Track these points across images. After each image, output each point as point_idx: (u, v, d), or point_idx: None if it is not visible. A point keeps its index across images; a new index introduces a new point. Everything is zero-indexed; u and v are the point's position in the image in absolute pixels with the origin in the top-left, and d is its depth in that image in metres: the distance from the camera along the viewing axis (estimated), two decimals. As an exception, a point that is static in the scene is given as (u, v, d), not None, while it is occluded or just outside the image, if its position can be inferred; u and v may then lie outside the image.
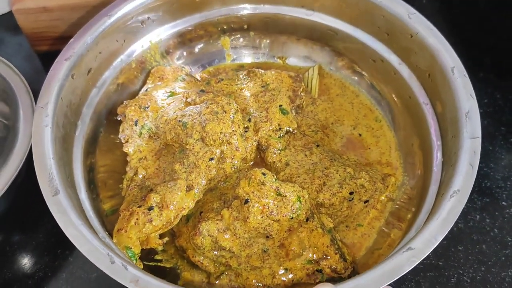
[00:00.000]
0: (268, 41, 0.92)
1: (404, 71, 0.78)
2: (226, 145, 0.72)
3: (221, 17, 0.88)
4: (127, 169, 0.75)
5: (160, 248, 0.69)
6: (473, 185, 0.59)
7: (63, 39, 0.89)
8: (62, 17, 0.89)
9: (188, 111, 0.75)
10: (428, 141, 0.73)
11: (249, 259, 0.69)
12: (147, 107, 0.77)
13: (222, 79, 0.86)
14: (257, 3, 0.87)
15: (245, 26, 0.90)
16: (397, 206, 0.76)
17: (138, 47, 0.83)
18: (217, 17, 0.88)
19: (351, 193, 0.72)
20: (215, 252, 0.69)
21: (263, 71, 0.87)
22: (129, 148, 0.78)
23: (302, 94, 0.85)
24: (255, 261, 0.69)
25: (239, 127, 0.74)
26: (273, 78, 0.85)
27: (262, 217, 0.66)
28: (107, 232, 0.66)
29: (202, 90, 0.79)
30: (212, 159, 0.71)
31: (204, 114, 0.72)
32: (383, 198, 0.77)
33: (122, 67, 0.81)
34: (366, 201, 0.75)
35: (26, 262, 0.78)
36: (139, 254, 0.66)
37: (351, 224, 0.75)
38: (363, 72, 0.87)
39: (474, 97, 0.64)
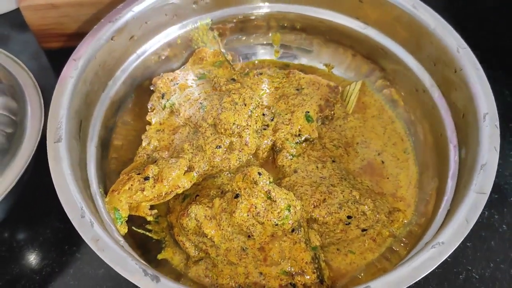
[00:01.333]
0: (318, 46, 0.90)
1: (442, 106, 0.73)
2: (236, 137, 0.72)
3: (274, 12, 0.87)
4: (143, 137, 0.78)
5: (149, 218, 0.71)
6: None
7: (71, 36, 0.94)
8: (69, 14, 0.88)
9: (211, 96, 0.76)
10: (444, 185, 0.68)
11: (227, 253, 0.68)
12: (177, 83, 0.79)
13: (261, 73, 0.86)
14: (313, 5, 0.85)
15: (298, 26, 0.89)
16: (398, 242, 0.72)
17: (187, 25, 0.85)
18: (271, 12, 0.87)
19: (349, 217, 0.69)
20: (198, 237, 0.70)
21: (303, 74, 0.85)
22: (152, 118, 0.81)
23: (334, 106, 0.83)
24: (233, 256, 0.68)
25: (255, 123, 0.74)
26: (311, 83, 0.84)
27: (247, 216, 0.66)
28: (102, 190, 0.69)
29: (233, 79, 0.80)
30: (219, 147, 0.72)
31: (224, 102, 0.73)
32: (385, 231, 0.73)
33: (167, 40, 0.84)
34: (364, 230, 0.71)
35: (33, 257, 0.77)
36: (126, 218, 0.68)
37: (343, 249, 0.72)
38: (404, 100, 0.82)
39: (498, 150, 0.59)
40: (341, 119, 0.84)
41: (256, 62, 0.93)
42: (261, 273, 0.68)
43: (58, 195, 0.57)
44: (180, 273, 0.72)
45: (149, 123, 0.80)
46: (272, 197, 0.65)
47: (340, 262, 0.72)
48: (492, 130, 0.61)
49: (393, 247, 0.72)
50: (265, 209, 0.65)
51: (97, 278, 0.74)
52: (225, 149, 0.72)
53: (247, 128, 0.72)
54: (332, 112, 0.82)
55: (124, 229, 0.68)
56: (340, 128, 0.83)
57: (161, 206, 0.77)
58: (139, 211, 0.70)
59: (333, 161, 0.77)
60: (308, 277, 0.66)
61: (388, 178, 0.78)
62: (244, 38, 0.92)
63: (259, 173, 0.67)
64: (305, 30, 0.89)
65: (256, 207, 0.66)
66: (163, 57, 0.86)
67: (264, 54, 0.93)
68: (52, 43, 0.96)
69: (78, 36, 0.74)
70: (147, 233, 0.74)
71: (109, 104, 0.77)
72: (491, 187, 0.56)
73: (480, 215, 0.73)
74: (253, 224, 0.66)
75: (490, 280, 0.74)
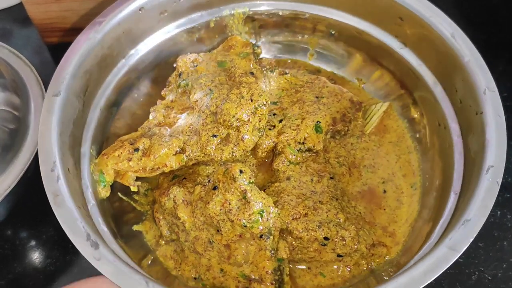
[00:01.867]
0: (353, 58, 0.86)
1: (457, 148, 0.67)
2: (234, 130, 0.71)
3: (315, 15, 0.84)
4: (151, 109, 0.79)
5: (132, 188, 0.72)
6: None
7: (74, 31, 0.90)
8: (72, 8, 0.86)
9: (223, 85, 0.75)
10: (433, 230, 0.62)
11: (195, 241, 0.68)
12: (196, 65, 0.79)
13: (287, 73, 0.84)
14: (355, 15, 0.81)
15: (337, 34, 0.85)
16: (374, 277, 0.68)
17: (223, 10, 0.84)
18: (312, 14, 0.84)
19: (325, 238, 0.66)
20: (172, 218, 0.70)
21: (329, 83, 0.82)
22: (166, 94, 0.82)
23: (351, 122, 0.79)
24: (199, 246, 0.68)
25: (259, 121, 0.72)
26: (333, 93, 0.80)
27: (220, 210, 0.65)
28: (94, 151, 0.71)
29: (251, 73, 0.78)
30: (215, 136, 0.71)
31: (231, 93, 0.72)
32: (363, 263, 0.69)
33: (200, 22, 0.84)
34: (340, 255, 0.67)
35: (36, 256, 0.77)
36: (110, 183, 0.70)
37: (314, 269, 0.69)
38: (426, 132, 0.77)
39: (489, 209, 0.53)
40: (356, 137, 0.80)
41: (289, 61, 0.91)
42: (222, 270, 0.67)
43: (38, 144, 0.59)
44: (149, 248, 0.72)
45: (163, 98, 0.81)
46: (247, 197, 0.64)
47: (307, 282, 0.69)
48: (490, 186, 0.55)
49: (367, 281, 0.67)
50: (238, 208, 0.64)
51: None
52: (220, 140, 0.71)
53: (247, 124, 0.71)
54: (346, 128, 0.78)
55: (105, 193, 0.69)
56: (351, 146, 0.79)
57: (153, 180, 0.78)
58: (124, 179, 0.71)
59: (331, 178, 0.74)
60: (264, 286, 0.64)
61: (385, 209, 0.73)
62: (284, 35, 0.90)
63: (241, 171, 0.65)
64: (344, 39, 0.85)
65: (230, 204, 0.64)
66: (195, 38, 0.86)
67: (299, 55, 0.91)
68: (55, 37, 0.95)
69: (81, 30, 0.73)
70: (132, 202, 0.75)
71: (126, 71, 0.78)
72: (468, 245, 0.51)
73: (493, 215, 0.78)
74: (224, 219, 0.65)
75: (502, 281, 0.73)
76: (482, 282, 0.73)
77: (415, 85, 0.78)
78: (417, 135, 0.79)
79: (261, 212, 0.63)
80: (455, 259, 0.50)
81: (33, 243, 0.78)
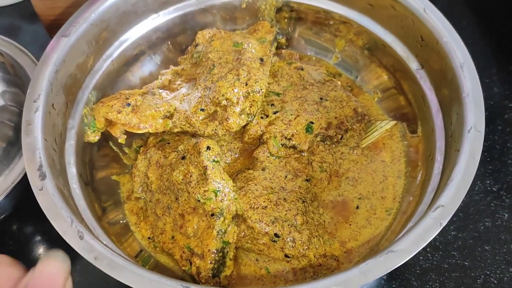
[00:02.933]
0: (373, 69, 0.83)
1: (432, 183, 0.63)
2: (221, 109, 0.72)
3: (349, 18, 0.82)
4: (161, 72, 0.82)
5: (120, 140, 0.76)
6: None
7: None
8: (79, 4, 0.79)
9: (227, 64, 0.76)
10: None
11: (156, 204, 0.71)
12: (213, 40, 0.81)
13: (302, 69, 0.83)
14: (383, 26, 0.79)
15: (364, 42, 0.83)
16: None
17: (259, -6, 0.85)
18: (345, 17, 0.83)
19: (276, 235, 0.66)
20: (144, 177, 0.74)
21: (339, 88, 0.80)
22: (180, 61, 0.85)
23: (347, 132, 0.77)
24: (159, 209, 0.71)
25: (250, 106, 0.73)
26: (338, 99, 0.78)
27: (182, 179, 0.67)
28: (93, 98, 0.76)
29: (261, 59, 0.79)
30: (202, 110, 0.73)
31: (228, 72, 0.73)
32: (310, 270, 0.68)
33: (232, 1, 0.85)
34: (287, 256, 0.67)
35: (40, 252, 0.77)
36: (101, 129, 0.74)
37: (261, 262, 0.69)
38: (419, 162, 0.73)
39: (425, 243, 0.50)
40: (349, 148, 0.78)
41: (314, 58, 0.90)
42: (173, 237, 0.69)
43: (32, 76, 0.65)
44: (119, 200, 0.76)
45: (177, 64, 0.84)
46: (206, 174, 0.65)
47: (250, 272, 0.69)
48: (433, 223, 0.52)
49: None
50: (197, 182, 0.66)
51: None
52: (207, 114, 0.73)
53: (235, 106, 0.71)
54: (340, 136, 0.76)
55: (93, 138, 0.74)
56: (340, 155, 0.77)
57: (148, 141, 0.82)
58: (113, 129, 0.75)
59: (307, 180, 0.73)
60: (203, 263, 0.65)
61: (350, 225, 0.71)
62: (317, 32, 0.89)
63: (208, 147, 0.67)
64: (369, 48, 0.83)
65: (191, 176, 0.66)
66: (227, 16, 0.87)
67: (324, 55, 0.89)
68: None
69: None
70: (121, 154, 0.80)
71: (148, 32, 0.82)
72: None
73: (499, 217, 0.76)
74: (183, 189, 0.67)
75: (508, 284, 0.71)
76: (488, 285, 0.71)
77: (422, 110, 0.74)
78: (412, 162, 0.75)
79: (217, 192, 0.64)
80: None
81: (37, 239, 0.78)
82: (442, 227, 0.51)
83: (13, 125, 0.72)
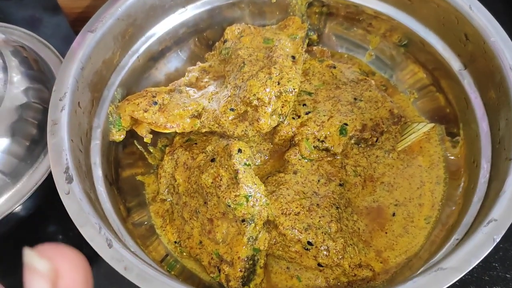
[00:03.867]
0: (410, 68, 0.79)
1: (478, 193, 0.60)
2: (252, 109, 0.69)
3: (383, 14, 0.78)
4: (188, 69, 0.79)
5: (146, 139, 0.73)
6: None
7: None
8: None
9: (258, 61, 0.73)
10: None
11: (184, 207, 0.68)
12: (242, 36, 0.78)
13: (335, 67, 0.79)
14: (422, 22, 0.74)
15: (400, 39, 0.78)
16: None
17: (290, -12, 0.81)
18: (380, 12, 0.78)
19: (309, 243, 0.63)
20: (171, 179, 0.71)
21: (374, 88, 0.76)
22: (208, 58, 0.81)
23: (382, 134, 0.73)
24: (186, 212, 0.68)
25: (282, 107, 0.70)
26: (373, 100, 0.75)
27: (211, 183, 0.64)
28: (119, 95, 0.73)
29: (293, 57, 0.75)
30: (232, 109, 0.69)
31: (260, 71, 0.70)
32: (343, 279, 0.65)
33: (262, -6, 0.82)
34: (320, 265, 0.64)
35: None
36: (126, 128, 0.71)
37: (293, 270, 0.67)
38: (461, 167, 0.69)
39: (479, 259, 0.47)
40: (384, 151, 0.74)
41: (346, 56, 0.86)
42: (200, 242, 0.67)
43: (58, 74, 0.62)
44: (144, 201, 0.74)
45: (205, 61, 0.81)
46: (237, 178, 0.62)
47: (281, 281, 0.66)
48: (485, 238, 0.48)
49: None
50: (227, 186, 0.63)
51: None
52: (237, 114, 0.70)
53: (267, 106, 0.68)
54: (375, 139, 0.73)
55: (119, 137, 0.71)
56: (375, 159, 0.74)
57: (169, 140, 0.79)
58: (139, 128, 0.72)
59: (341, 185, 0.69)
60: (233, 270, 0.63)
61: (386, 233, 0.68)
62: (349, 28, 0.85)
63: (239, 150, 0.63)
64: (406, 46, 0.79)
65: (221, 179, 0.63)
66: (256, 10, 0.84)
67: (357, 52, 0.85)
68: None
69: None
70: (146, 153, 0.77)
71: (175, 26, 0.78)
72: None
73: None
74: (212, 193, 0.64)
75: None
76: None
77: (464, 113, 0.70)
78: (452, 168, 0.71)
79: (248, 197, 0.61)
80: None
81: (60, 240, 0.76)
82: (495, 243, 0.47)
83: (37, 123, 0.70)
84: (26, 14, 1.00)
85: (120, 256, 0.49)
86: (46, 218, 0.77)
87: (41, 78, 0.74)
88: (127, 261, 0.49)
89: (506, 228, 0.48)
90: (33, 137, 0.69)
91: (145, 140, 0.74)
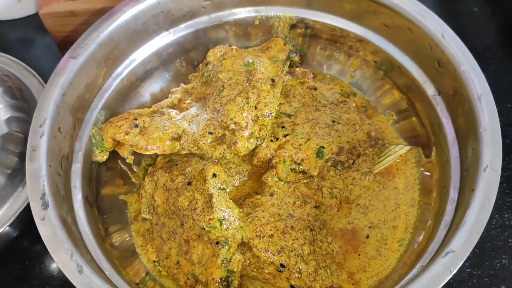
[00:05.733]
0: (389, 91, 0.81)
1: (445, 221, 0.61)
2: (230, 133, 0.71)
3: (363, 38, 0.79)
4: (171, 90, 0.81)
5: (128, 160, 0.75)
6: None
7: None
8: (89, 22, 0.78)
9: (237, 85, 0.74)
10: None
11: (162, 227, 0.70)
12: (224, 59, 0.80)
13: (315, 89, 0.81)
14: (399, 47, 0.76)
15: (377, 61, 0.80)
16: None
17: (270, 11, 0.83)
18: (360, 36, 0.80)
19: (282, 265, 0.64)
20: (151, 199, 0.73)
21: (352, 110, 0.78)
22: (191, 79, 0.83)
23: (359, 156, 0.74)
24: (164, 233, 0.70)
25: (259, 130, 0.71)
26: (351, 123, 0.76)
27: (187, 205, 0.66)
28: (102, 117, 0.75)
29: (272, 80, 0.77)
30: (210, 133, 0.71)
31: (238, 95, 0.71)
32: (315, 302, 0.66)
33: (245, 16, 0.83)
34: (293, 286, 0.65)
35: (46, 277, 0.75)
36: (108, 149, 0.74)
37: (266, 291, 0.68)
38: (434, 191, 0.70)
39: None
40: (361, 173, 0.75)
41: (328, 76, 0.88)
42: (178, 262, 0.69)
43: (38, 101, 0.64)
44: (126, 220, 0.76)
45: (188, 82, 0.83)
46: (211, 202, 0.64)
47: (255, 301, 0.68)
48: (442, 270, 0.50)
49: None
50: (202, 209, 0.64)
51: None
52: (215, 138, 0.72)
53: (243, 130, 0.70)
54: (351, 161, 0.74)
55: (101, 158, 0.74)
56: (351, 181, 0.75)
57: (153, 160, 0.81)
58: (121, 150, 0.75)
59: (316, 207, 0.71)
60: (207, 292, 0.65)
61: (359, 255, 0.69)
62: (332, 50, 0.86)
63: (214, 175, 0.65)
64: (384, 69, 0.80)
65: (196, 203, 0.65)
66: (240, 32, 0.86)
67: (339, 74, 0.87)
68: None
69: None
70: (129, 172, 0.79)
71: (159, 49, 0.81)
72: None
73: None
74: (188, 215, 0.66)
75: None
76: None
77: (438, 137, 0.71)
78: (426, 191, 0.72)
79: (222, 220, 0.63)
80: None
81: (42, 263, 0.77)
82: (451, 274, 0.49)
83: (18, 152, 0.72)
84: (18, 35, 1.01)
85: (89, 282, 0.51)
86: (28, 243, 0.78)
87: (24, 107, 0.75)
88: (96, 287, 0.51)
89: (463, 260, 0.50)
90: (14, 167, 0.71)
91: (127, 161, 0.76)
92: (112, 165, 0.77)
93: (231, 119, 0.70)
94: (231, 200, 0.66)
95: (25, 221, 0.72)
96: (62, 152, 0.65)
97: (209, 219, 0.63)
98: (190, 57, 0.86)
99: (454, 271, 0.49)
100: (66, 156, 0.66)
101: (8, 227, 0.69)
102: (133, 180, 0.79)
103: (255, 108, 0.71)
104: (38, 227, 0.54)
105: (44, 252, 0.78)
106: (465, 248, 0.50)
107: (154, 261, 0.71)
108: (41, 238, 0.75)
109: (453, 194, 0.62)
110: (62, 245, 0.53)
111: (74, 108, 0.69)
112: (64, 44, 0.88)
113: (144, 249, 0.73)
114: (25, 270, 0.77)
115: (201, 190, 0.65)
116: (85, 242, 0.61)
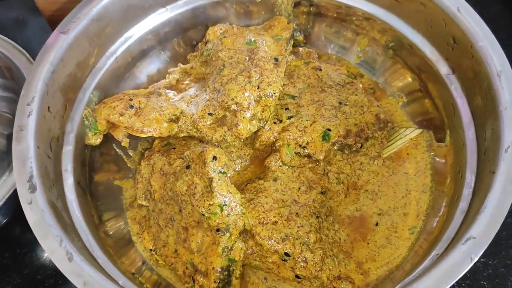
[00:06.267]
0: (399, 71, 0.77)
1: (462, 206, 0.57)
2: (231, 114, 0.67)
3: (373, 15, 0.75)
4: (169, 70, 0.77)
5: (123, 143, 0.71)
6: None
7: None
8: None
9: (238, 64, 0.70)
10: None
11: (159, 214, 0.66)
12: (224, 37, 0.75)
13: (321, 70, 0.77)
14: (411, 25, 0.71)
15: (388, 41, 0.76)
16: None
17: (274, -13, 0.79)
18: (370, 14, 0.75)
19: (286, 254, 0.60)
20: (147, 184, 0.69)
21: (360, 91, 0.74)
22: (190, 59, 0.79)
23: (367, 140, 0.70)
24: (162, 220, 0.66)
25: (262, 111, 0.67)
26: (359, 104, 0.72)
27: (186, 190, 0.62)
28: (95, 98, 0.71)
29: (275, 59, 0.72)
30: (210, 114, 0.67)
31: (239, 74, 0.67)
32: (320, 291, 0.62)
33: (245, -7, 0.79)
34: (298, 277, 0.62)
35: (37, 267, 0.72)
36: (102, 131, 0.69)
37: (270, 281, 0.64)
38: (447, 176, 0.66)
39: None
40: (369, 157, 0.71)
41: (334, 57, 0.83)
42: (176, 251, 0.65)
43: (26, 79, 0.60)
44: (121, 207, 0.72)
45: (187, 62, 0.79)
46: (211, 186, 0.60)
47: (258, 291, 0.64)
48: (463, 257, 0.46)
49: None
50: (201, 194, 0.60)
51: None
52: (215, 119, 0.67)
53: (245, 111, 0.66)
54: (359, 145, 0.70)
55: (95, 141, 0.69)
56: (359, 166, 0.71)
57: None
58: (116, 132, 0.71)
59: (322, 193, 0.67)
60: (207, 282, 0.61)
61: (368, 243, 0.66)
62: (338, 29, 0.82)
63: (214, 157, 0.61)
64: (394, 48, 0.76)
65: (195, 187, 0.61)
66: (242, 10, 0.81)
67: (346, 54, 0.83)
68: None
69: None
70: (124, 156, 0.75)
71: (156, 27, 0.76)
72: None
73: None
74: (187, 201, 0.62)
75: None
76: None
77: (451, 119, 0.67)
78: (439, 176, 0.68)
79: (222, 206, 0.59)
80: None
81: (34, 252, 0.74)
82: (472, 263, 0.45)
83: (6, 134, 0.68)
84: (11, 16, 0.97)
85: (80, 270, 0.47)
86: (23, 225, 0.74)
87: (13, 87, 0.71)
88: (87, 276, 0.47)
89: (485, 247, 0.46)
90: (1, 149, 0.67)
91: (122, 144, 0.72)
92: (106, 149, 0.73)
93: (232, 99, 0.65)
94: (232, 185, 0.62)
95: (14, 206, 0.68)
96: (52, 133, 0.61)
97: (209, 205, 0.59)
98: (188, 36, 0.81)
99: (475, 259, 0.45)
100: (56, 137, 0.62)
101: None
102: (128, 165, 0.75)
103: (258, 87, 0.66)
104: (25, 212, 0.50)
105: (35, 240, 0.74)
106: (487, 234, 0.46)
107: (151, 250, 0.67)
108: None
109: (470, 178, 0.58)
110: (50, 231, 0.49)
111: (65, 87, 0.65)
112: (56, 22, 0.80)
113: (140, 237, 0.69)
114: (15, 259, 0.73)
115: (200, 174, 0.61)
116: (76, 229, 0.57)
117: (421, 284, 0.45)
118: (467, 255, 0.46)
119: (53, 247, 0.49)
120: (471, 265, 0.45)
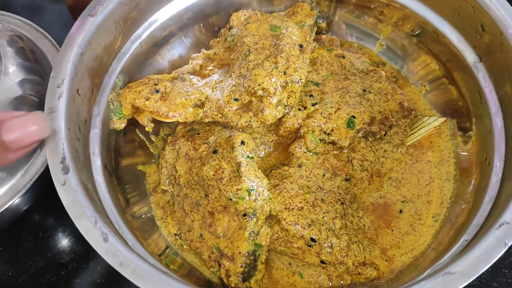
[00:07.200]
0: (423, 60, 0.76)
1: (490, 193, 0.57)
2: (257, 100, 0.67)
3: (396, 2, 0.75)
4: (192, 56, 0.77)
5: (147, 128, 0.71)
6: None
7: None
8: None
9: (264, 50, 0.70)
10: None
11: (184, 198, 0.66)
12: (248, 23, 0.75)
13: (344, 57, 0.77)
14: (435, 10, 0.71)
15: (412, 28, 0.75)
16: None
17: (297, -27, 0.78)
18: (394, 2, 0.75)
19: (312, 240, 0.61)
20: (172, 169, 0.69)
21: (384, 79, 0.74)
22: (213, 44, 0.79)
23: (391, 128, 0.70)
24: (187, 205, 0.66)
25: (287, 97, 0.67)
26: (383, 92, 0.72)
27: (213, 175, 0.62)
28: (120, 82, 0.71)
29: (300, 45, 0.72)
30: (236, 99, 0.67)
31: (266, 60, 0.67)
32: (346, 278, 0.63)
33: (271, -20, 0.79)
34: (323, 262, 0.62)
35: (60, 250, 0.72)
36: (127, 116, 0.69)
37: (295, 266, 0.65)
38: (473, 164, 0.66)
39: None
40: (392, 145, 0.71)
41: (355, 45, 0.83)
42: (201, 235, 0.65)
43: (55, 61, 0.60)
44: (145, 191, 0.72)
45: (209, 48, 0.79)
46: (240, 171, 0.60)
47: (282, 277, 0.65)
48: (497, 241, 0.46)
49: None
50: (229, 178, 0.61)
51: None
52: (241, 105, 0.67)
53: (272, 97, 0.66)
54: (383, 133, 0.70)
55: (119, 125, 0.69)
56: (383, 153, 0.71)
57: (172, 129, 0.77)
58: (140, 117, 0.71)
59: (347, 180, 0.67)
60: (233, 265, 0.61)
61: (392, 230, 0.66)
62: (360, 16, 0.81)
63: (242, 142, 0.61)
64: (419, 35, 0.75)
65: (223, 172, 0.61)
66: (260, -5, 0.81)
67: (368, 42, 0.82)
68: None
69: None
70: (148, 142, 0.75)
71: (180, 12, 0.76)
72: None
73: None
74: (214, 186, 0.62)
75: None
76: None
77: (478, 107, 0.67)
78: (463, 164, 0.69)
79: (250, 191, 0.59)
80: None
81: (57, 236, 0.74)
82: (507, 247, 0.45)
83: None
84: (27, 1, 0.97)
85: (115, 250, 0.47)
86: (45, 210, 0.75)
87: (38, 69, 0.71)
88: (122, 257, 0.47)
89: (518, 231, 0.46)
90: None
91: (146, 129, 0.72)
92: (129, 133, 0.73)
93: (259, 84, 0.65)
94: (260, 170, 0.62)
95: (39, 190, 0.68)
96: (81, 116, 0.61)
97: (237, 189, 0.59)
98: (210, 23, 0.81)
99: (510, 243, 0.45)
100: (84, 120, 0.62)
101: (21, 197, 0.65)
102: (151, 150, 0.75)
103: (284, 73, 0.66)
104: (58, 193, 0.50)
105: (57, 225, 0.75)
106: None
107: (175, 234, 0.67)
108: (54, 210, 0.73)
109: (499, 165, 0.58)
110: (85, 211, 0.50)
111: (92, 70, 0.65)
112: (76, 8, 0.83)
113: (164, 221, 0.69)
114: (38, 243, 0.73)
115: (228, 159, 0.61)
116: (106, 211, 0.58)
117: (454, 268, 0.45)
118: (501, 239, 0.46)
119: (87, 228, 0.49)
120: (505, 249, 0.45)
